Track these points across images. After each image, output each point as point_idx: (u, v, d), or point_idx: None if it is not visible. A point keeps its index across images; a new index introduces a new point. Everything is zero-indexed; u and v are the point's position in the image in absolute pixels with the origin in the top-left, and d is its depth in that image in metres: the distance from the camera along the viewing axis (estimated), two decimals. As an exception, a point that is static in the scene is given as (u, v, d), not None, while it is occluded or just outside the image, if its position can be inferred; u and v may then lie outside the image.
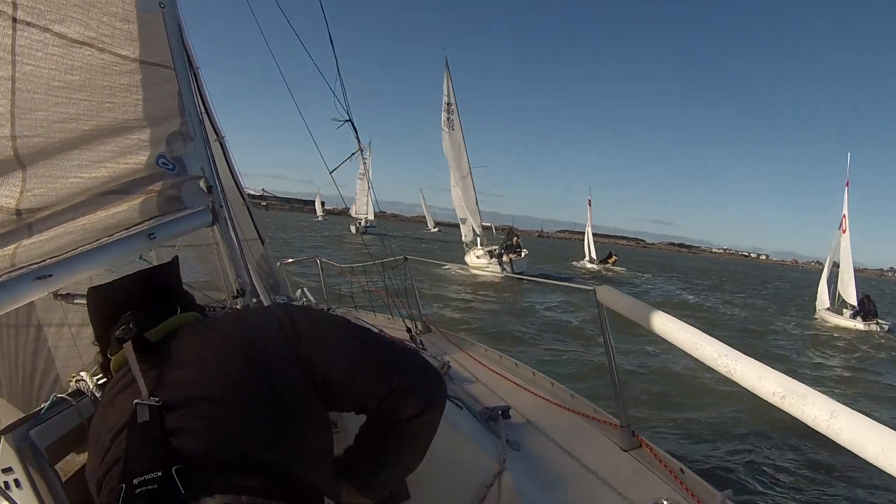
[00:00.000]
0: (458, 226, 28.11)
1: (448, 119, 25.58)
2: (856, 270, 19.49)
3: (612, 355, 1.79)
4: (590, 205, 47.70)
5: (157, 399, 0.82)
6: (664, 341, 1.31)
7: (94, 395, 1.26)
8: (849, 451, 0.79)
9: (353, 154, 2.61)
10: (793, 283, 54.35)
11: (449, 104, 25.59)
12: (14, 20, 1.12)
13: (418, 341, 3.07)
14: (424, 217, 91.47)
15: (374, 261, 3.74)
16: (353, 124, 2.42)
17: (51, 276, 1.20)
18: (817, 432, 0.85)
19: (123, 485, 0.77)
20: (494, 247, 25.02)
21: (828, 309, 19.84)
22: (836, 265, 20.30)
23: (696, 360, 1.19)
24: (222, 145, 2.59)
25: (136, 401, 0.83)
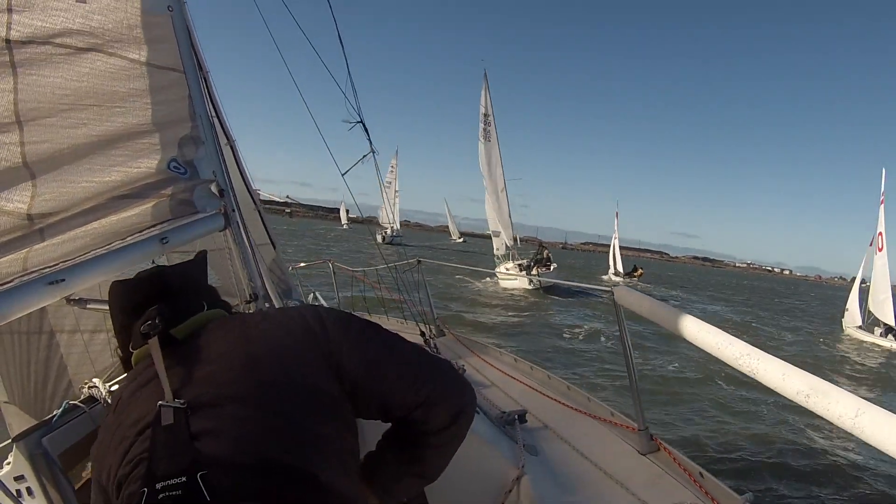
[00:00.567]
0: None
1: (485, 130, 25.96)
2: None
3: (630, 357, 1.76)
4: (616, 217, 47.43)
5: (182, 401, 0.80)
6: (681, 341, 1.28)
7: (107, 402, 1.25)
8: (874, 454, 0.75)
9: (364, 156, 2.59)
10: (823, 300, 52.57)
11: (486, 115, 25.99)
12: (7, 41, 1.11)
13: (432, 345, 3.04)
14: (447, 227, 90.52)
15: (386, 264, 3.71)
16: (364, 126, 2.40)
17: (63, 280, 1.19)
18: (839, 434, 0.82)
19: (146, 489, 0.74)
20: (524, 260, 25.22)
21: (858, 327, 19.62)
22: (864, 282, 20.03)
23: (717, 359, 1.15)
24: (233, 149, 2.58)
25: (160, 402, 0.80)
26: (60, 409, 1.23)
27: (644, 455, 1.68)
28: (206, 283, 1.11)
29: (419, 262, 3.78)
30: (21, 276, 1.20)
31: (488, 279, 18.58)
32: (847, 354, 15.99)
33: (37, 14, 1.18)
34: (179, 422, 0.78)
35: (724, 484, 1.46)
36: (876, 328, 18.77)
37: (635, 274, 39.55)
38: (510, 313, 16.17)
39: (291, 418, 0.82)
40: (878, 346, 17.66)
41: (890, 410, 0.79)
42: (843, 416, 0.81)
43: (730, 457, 6.02)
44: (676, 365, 10.29)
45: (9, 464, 1.21)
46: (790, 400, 0.94)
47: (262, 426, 0.80)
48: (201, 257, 1.12)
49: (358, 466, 0.96)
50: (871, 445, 0.77)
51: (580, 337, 13.05)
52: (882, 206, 19.47)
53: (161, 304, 0.95)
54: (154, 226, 1.56)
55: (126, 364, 0.99)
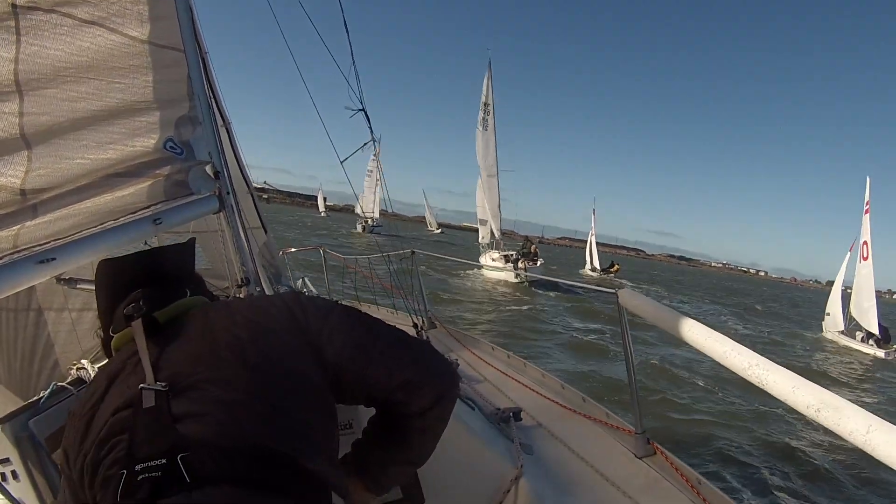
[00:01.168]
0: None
1: (483, 119, 25.97)
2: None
3: (631, 360, 1.73)
4: (594, 213, 47.99)
5: (163, 384, 0.79)
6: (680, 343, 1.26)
7: None
8: (876, 465, 0.75)
9: (365, 144, 2.56)
10: (811, 303, 52.10)
11: (486, 104, 25.98)
12: (14, 6, 1.08)
13: (424, 337, 3.02)
14: (424, 218, 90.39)
15: (380, 252, 3.67)
16: (366, 113, 2.37)
17: (54, 259, 1.17)
18: (842, 447, 0.82)
19: (125, 471, 0.73)
20: (511, 252, 25.19)
21: (841, 332, 19.88)
22: (847, 288, 20.20)
23: (714, 358, 1.13)
24: (229, 131, 2.55)
25: (141, 385, 0.79)
26: (48, 391, 1.20)
27: (640, 459, 1.66)
28: (193, 270, 1.10)
29: (413, 252, 3.74)
30: (11, 253, 1.17)
31: (471, 271, 18.49)
32: (830, 357, 16.32)
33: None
34: (161, 404, 0.77)
35: (723, 492, 1.43)
36: (857, 332, 19.07)
37: (612, 270, 39.43)
38: (497, 308, 16.20)
39: (276, 404, 0.82)
40: (859, 350, 18.00)
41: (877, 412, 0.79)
42: (855, 433, 0.79)
43: (727, 464, 5.97)
44: (676, 365, 10.33)
45: None
46: (799, 412, 0.92)
47: (246, 410, 0.79)
48: (190, 243, 1.12)
49: (337, 454, 0.94)
50: (883, 463, 0.76)
51: (572, 334, 13.07)
52: (867, 214, 19.42)
53: (147, 287, 0.95)
54: (148, 206, 1.54)
55: (106, 346, 0.98)
